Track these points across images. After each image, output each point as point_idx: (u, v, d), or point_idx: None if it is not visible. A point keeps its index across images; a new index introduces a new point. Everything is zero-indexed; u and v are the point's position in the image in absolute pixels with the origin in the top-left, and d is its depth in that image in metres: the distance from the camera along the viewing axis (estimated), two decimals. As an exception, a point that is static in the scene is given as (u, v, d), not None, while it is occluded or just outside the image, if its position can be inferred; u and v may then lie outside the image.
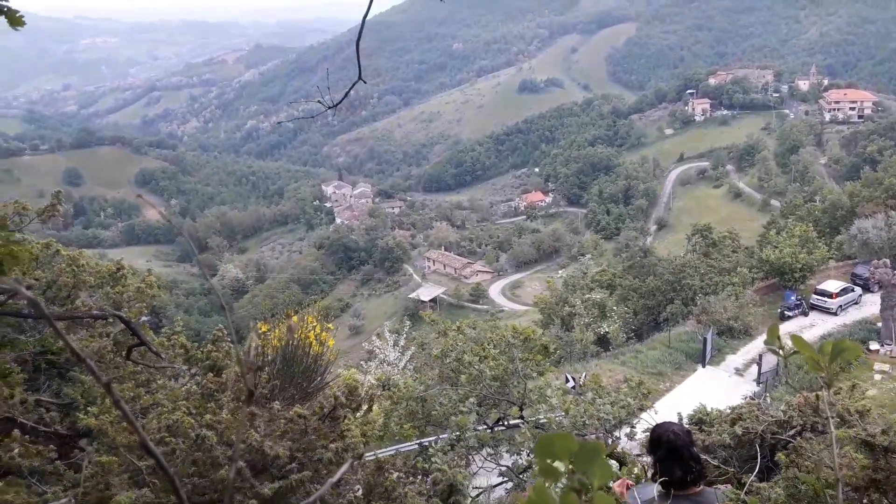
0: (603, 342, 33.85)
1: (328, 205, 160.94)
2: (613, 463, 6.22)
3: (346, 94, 3.38)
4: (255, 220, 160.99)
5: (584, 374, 19.39)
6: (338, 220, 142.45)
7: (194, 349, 6.22)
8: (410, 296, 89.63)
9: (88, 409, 4.63)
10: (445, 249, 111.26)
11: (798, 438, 5.57)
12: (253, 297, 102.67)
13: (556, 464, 0.97)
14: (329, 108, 3.46)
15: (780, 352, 1.44)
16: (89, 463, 3.56)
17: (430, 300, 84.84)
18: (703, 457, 5.76)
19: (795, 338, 1.31)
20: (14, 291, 4.31)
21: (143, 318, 4.85)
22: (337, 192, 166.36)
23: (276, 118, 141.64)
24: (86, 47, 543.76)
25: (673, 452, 3.70)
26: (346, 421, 3.44)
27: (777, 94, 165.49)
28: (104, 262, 7.55)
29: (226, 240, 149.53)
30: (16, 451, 3.81)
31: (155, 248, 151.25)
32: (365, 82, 3.34)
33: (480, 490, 5.43)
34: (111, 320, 5.94)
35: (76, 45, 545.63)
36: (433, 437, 6.51)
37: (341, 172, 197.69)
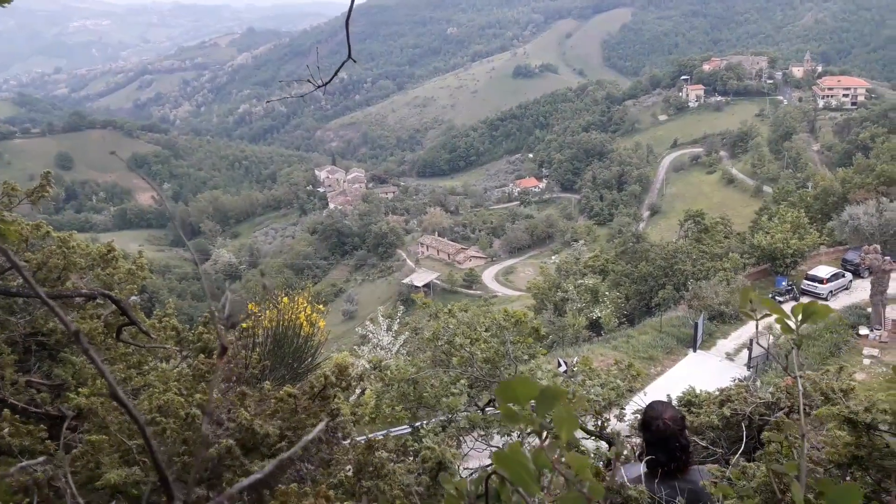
0: (595, 327, 34.02)
1: (321, 190, 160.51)
2: (603, 444, 6.28)
3: (336, 73, 3.36)
4: (247, 205, 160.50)
5: (575, 359, 19.50)
6: (331, 205, 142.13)
7: (186, 331, 6.22)
8: (404, 281, 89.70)
9: (79, 390, 4.64)
10: (439, 235, 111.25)
11: (786, 419, 5.62)
12: (246, 282, 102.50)
13: (517, 408, 0.98)
14: (318, 86, 3.45)
15: (753, 314, 1.45)
16: (79, 442, 3.57)
17: (424, 285, 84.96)
18: (693, 438, 5.82)
19: (766, 301, 1.32)
20: (5, 269, 4.28)
21: (133, 298, 4.84)
22: (330, 176, 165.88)
23: (267, 99, 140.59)
24: (77, 30, 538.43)
25: (661, 441, 3.71)
26: (335, 400, 3.46)
27: (771, 81, 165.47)
28: (95, 245, 7.50)
29: (218, 224, 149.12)
30: (6, 430, 3.81)
31: (147, 233, 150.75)
32: (354, 61, 3.33)
33: (472, 471, 5.47)
34: (102, 302, 5.94)
35: (67, 27, 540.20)
36: (424, 420, 6.54)
37: (335, 157, 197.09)
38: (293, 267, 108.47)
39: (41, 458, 3.05)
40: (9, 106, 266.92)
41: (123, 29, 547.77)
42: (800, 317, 1.34)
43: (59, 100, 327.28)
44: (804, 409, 5.14)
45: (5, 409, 3.91)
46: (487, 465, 7.56)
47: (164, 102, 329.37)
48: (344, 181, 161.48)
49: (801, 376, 1.69)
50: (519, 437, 6.72)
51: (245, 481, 1.00)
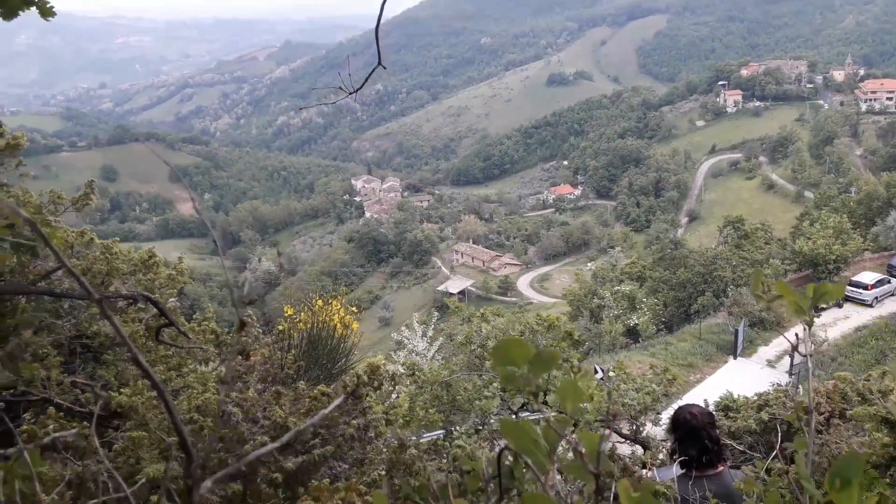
0: (632, 334, 33.65)
1: (357, 199, 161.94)
2: (638, 448, 6.23)
3: (367, 80, 3.43)
4: (286, 215, 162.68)
5: (611, 366, 19.31)
6: (367, 214, 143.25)
7: (224, 334, 6.37)
8: (439, 288, 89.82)
9: (121, 390, 4.78)
10: (474, 242, 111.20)
11: (826, 424, 5.52)
12: (284, 290, 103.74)
13: (515, 370, 1.00)
14: (350, 93, 3.52)
15: (765, 297, 1.45)
16: (121, 438, 3.69)
17: (459, 292, 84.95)
18: (729, 442, 5.74)
19: (779, 283, 1.32)
20: (55, 269, 4.44)
21: (172, 300, 4.98)
22: (366, 186, 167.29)
23: (300, 107, 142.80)
24: (120, 46, 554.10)
25: (690, 432, 3.72)
26: (367, 398, 3.51)
27: (811, 85, 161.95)
28: (137, 252, 7.72)
29: (258, 233, 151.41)
30: (51, 427, 3.96)
31: (189, 242, 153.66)
32: (384, 68, 3.39)
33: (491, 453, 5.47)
34: (143, 306, 6.10)
35: (111, 43, 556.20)
36: (458, 424, 6.56)
37: (370, 167, 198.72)
38: (330, 275, 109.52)
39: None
40: (57, 120, 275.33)
41: (165, 44, 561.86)
42: (812, 296, 1.34)
43: (105, 114, 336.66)
44: (843, 411, 5.04)
45: (50, 408, 4.06)
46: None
47: (204, 115, 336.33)
48: (380, 190, 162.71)
49: (810, 355, 1.68)
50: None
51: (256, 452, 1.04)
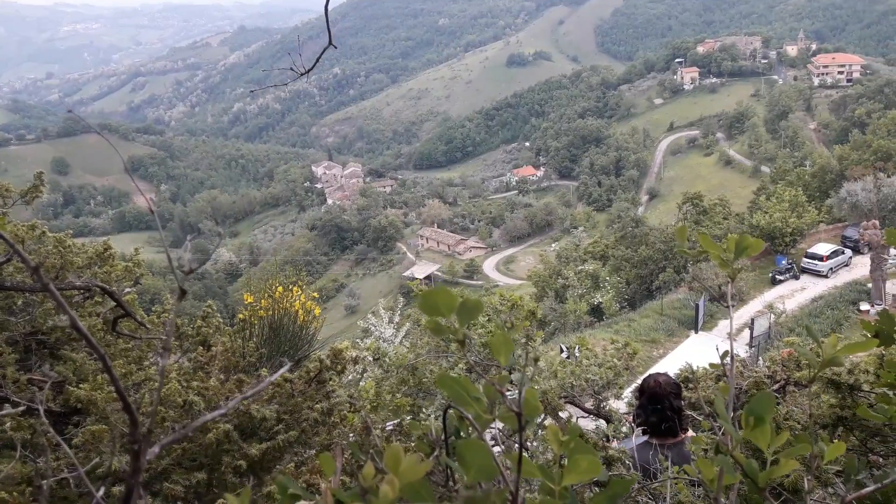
0: (597, 312, 34.13)
1: (319, 186, 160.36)
2: (602, 422, 6.35)
3: (318, 59, 3.40)
4: (246, 204, 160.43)
5: (577, 346, 19.59)
6: (329, 201, 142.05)
7: (184, 326, 6.30)
8: (405, 274, 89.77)
9: (80, 385, 4.71)
10: (438, 226, 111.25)
11: (782, 392, 5.69)
12: (247, 281, 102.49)
13: (441, 319, 1.03)
14: (301, 74, 3.49)
15: (691, 252, 1.51)
16: (80, 433, 3.63)
17: (425, 277, 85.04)
18: (690, 413, 5.88)
19: (702, 236, 1.37)
20: (5, 261, 4.32)
21: (127, 290, 4.90)
22: (327, 172, 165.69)
23: (251, 90, 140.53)
24: (67, 34, 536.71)
25: (652, 399, 3.81)
26: (331, 383, 3.51)
27: (765, 61, 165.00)
28: (91, 245, 7.56)
29: (217, 224, 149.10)
30: (7, 425, 3.88)
31: (147, 235, 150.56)
32: (335, 47, 3.36)
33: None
34: (100, 299, 6.00)
35: (57, 32, 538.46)
36: (425, 406, 6.60)
37: (331, 153, 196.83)
38: (294, 263, 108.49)
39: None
40: (2, 113, 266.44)
41: (114, 32, 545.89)
42: (734, 250, 1.39)
43: (53, 105, 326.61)
44: (803, 382, 5.20)
45: (6, 406, 3.97)
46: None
47: (158, 104, 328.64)
48: (341, 176, 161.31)
49: (730, 307, 1.74)
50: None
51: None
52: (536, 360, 5.81)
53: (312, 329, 4.84)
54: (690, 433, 4.31)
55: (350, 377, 5.71)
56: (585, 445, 0.96)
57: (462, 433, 1.27)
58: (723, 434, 1.27)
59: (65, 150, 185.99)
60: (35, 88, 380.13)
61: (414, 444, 3.72)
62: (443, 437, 1.30)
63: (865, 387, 2.67)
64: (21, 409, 3.73)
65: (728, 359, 1.73)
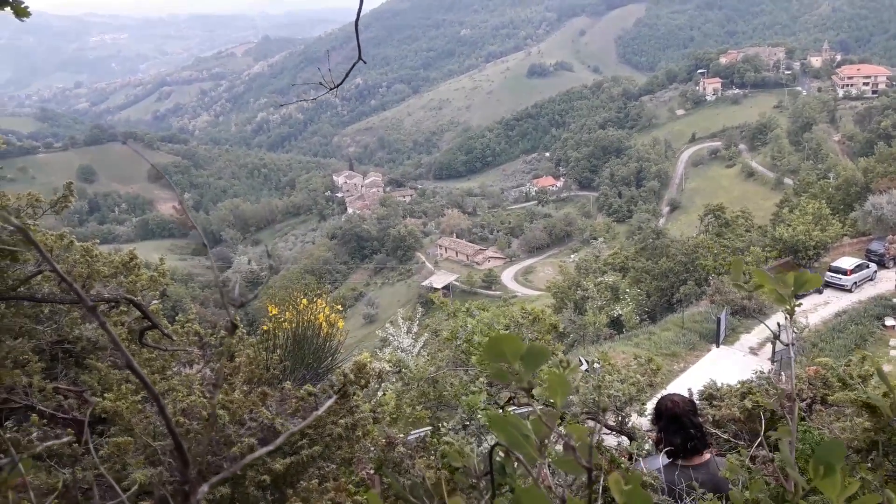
0: (616, 325, 33.86)
1: (340, 195, 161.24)
2: (624, 438, 6.28)
3: (347, 75, 3.42)
4: (267, 212, 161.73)
5: (596, 357, 19.43)
6: (349, 210, 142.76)
7: (207, 335, 6.33)
8: (423, 283, 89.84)
9: (105, 395, 4.75)
10: (457, 236, 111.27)
11: (809, 410, 5.59)
12: (267, 289, 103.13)
13: (506, 365, 1.02)
14: (331, 89, 3.50)
15: (745, 286, 1.48)
16: (106, 444, 3.66)
17: (443, 287, 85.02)
18: (713, 430, 5.80)
19: (757, 272, 1.35)
20: (35, 273, 4.39)
21: (154, 302, 4.94)
22: (348, 181, 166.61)
23: (281, 104, 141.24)
24: (95, 44, 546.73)
25: (673, 420, 3.76)
26: (355, 397, 3.51)
27: (789, 72, 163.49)
28: (118, 254, 7.64)
29: (239, 232, 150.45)
30: (34, 435, 3.92)
31: (170, 242, 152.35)
32: (365, 62, 3.38)
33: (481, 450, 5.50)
34: (126, 309, 6.05)
35: (86, 42, 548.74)
36: (444, 420, 6.58)
37: (352, 162, 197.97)
38: (314, 272, 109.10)
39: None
40: (31, 121, 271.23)
41: (141, 42, 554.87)
42: (793, 285, 1.36)
43: (81, 113, 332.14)
44: (824, 397, 5.12)
45: (33, 415, 4.02)
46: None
47: (182, 113, 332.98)
48: (362, 186, 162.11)
49: (791, 345, 1.71)
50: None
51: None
52: (577, 390, 5.76)
53: (336, 342, 4.84)
54: (713, 453, 4.24)
55: (368, 387, 5.71)
56: (646, 495, 0.95)
57: (507, 469, 1.25)
58: (787, 479, 1.24)
59: (91, 158, 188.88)
60: (64, 97, 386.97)
61: (439, 462, 3.70)
62: (487, 473, 1.28)
63: (900, 411, 2.61)
64: (66, 440, 3.78)
65: (787, 389, 1.70)
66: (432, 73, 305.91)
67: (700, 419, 3.94)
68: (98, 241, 6.45)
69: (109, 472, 3.36)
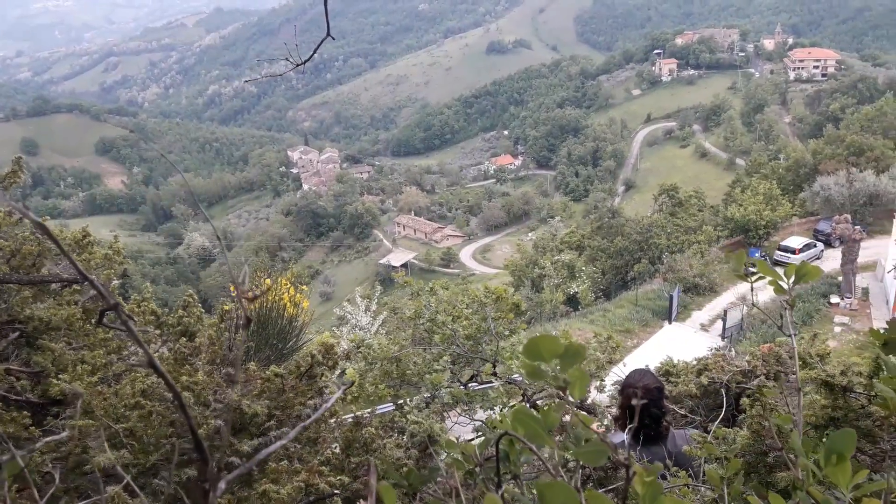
0: (572, 302, 34.35)
1: (294, 171, 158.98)
2: (584, 413, 6.38)
3: (315, 51, 3.34)
4: (220, 188, 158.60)
5: (553, 334, 19.68)
6: (305, 187, 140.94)
7: (165, 315, 6.20)
8: (381, 261, 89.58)
9: (59, 376, 4.61)
10: (415, 214, 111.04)
11: (767, 385, 5.75)
12: (220, 266, 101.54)
13: (542, 365, 1.03)
14: (298, 65, 3.41)
15: (747, 277, 1.50)
16: (63, 428, 3.55)
17: (401, 265, 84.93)
18: (671, 406, 5.94)
19: (760, 263, 1.37)
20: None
21: (115, 283, 4.80)
22: (303, 157, 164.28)
23: (245, 79, 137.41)
24: (38, 11, 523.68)
25: (642, 409, 3.78)
26: (323, 378, 3.48)
27: (743, 54, 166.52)
28: (69, 231, 7.40)
29: (190, 208, 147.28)
30: (-12, 418, 3.78)
31: (118, 218, 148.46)
32: (333, 38, 3.31)
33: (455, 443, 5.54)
34: (78, 287, 5.87)
35: (28, 9, 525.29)
36: (408, 397, 6.59)
37: (307, 137, 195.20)
38: (268, 249, 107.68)
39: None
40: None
41: (87, 10, 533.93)
42: (793, 277, 1.39)
43: (22, 84, 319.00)
44: (782, 374, 5.28)
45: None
46: (471, 439, 7.65)
47: (131, 85, 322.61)
48: (317, 162, 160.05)
49: (793, 335, 1.75)
50: (501, 410, 6.80)
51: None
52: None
53: (301, 322, 4.79)
54: (672, 427, 4.32)
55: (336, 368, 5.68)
56: (659, 485, 0.95)
57: (512, 457, 1.25)
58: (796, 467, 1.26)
59: (34, 131, 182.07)
60: (4, 66, 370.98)
61: (409, 442, 3.70)
62: (487, 460, 1.28)
63: (858, 388, 2.71)
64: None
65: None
66: (390, 47, 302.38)
67: (665, 403, 3.99)
68: (49, 218, 6.23)
69: (70, 457, 3.27)
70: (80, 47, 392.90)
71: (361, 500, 2.57)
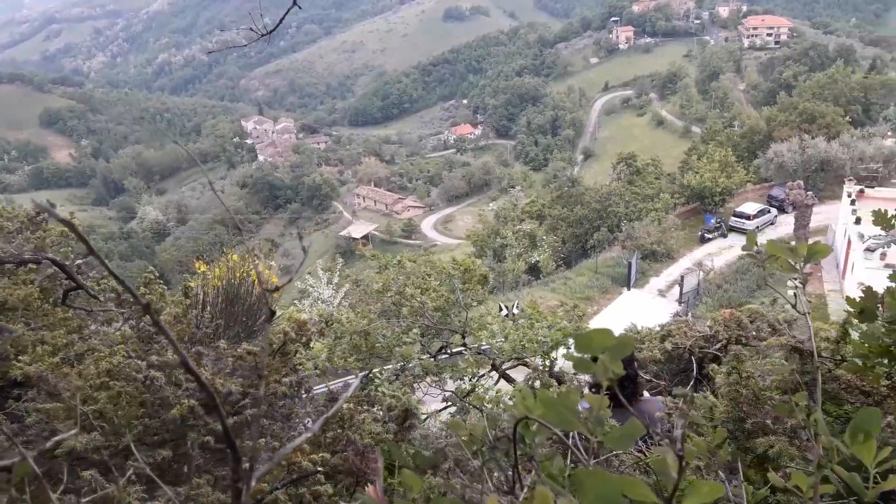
0: (534, 271, 34.69)
1: (249, 141, 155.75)
2: (552, 381, 6.49)
3: (281, 21, 3.23)
4: (172, 160, 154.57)
5: (516, 303, 19.91)
6: (260, 158, 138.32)
7: (125, 293, 6.01)
8: (342, 233, 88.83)
9: (19, 358, 4.48)
10: (375, 185, 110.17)
11: (724, 351, 5.91)
12: (176, 240, 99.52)
13: (590, 358, 1.04)
14: (262, 35, 3.31)
15: (758, 256, 1.52)
16: (27, 411, 3.46)
17: (362, 237, 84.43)
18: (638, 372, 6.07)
19: (771, 243, 1.38)
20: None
21: (79, 262, 4.67)
22: (258, 127, 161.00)
23: (209, 50, 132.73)
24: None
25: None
26: (297, 355, 3.45)
27: (698, 21, 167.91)
28: (19, 207, 7.17)
29: (143, 181, 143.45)
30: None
31: (68, 192, 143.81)
32: (300, 8, 3.20)
33: (426, 415, 5.58)
34: (34, 266, 5.68)
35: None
36: (378, 369, 6.60)
37: (261, 107, 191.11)
38: (224, 223, 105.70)
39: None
40: None
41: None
42: (805, 255, 1.40)
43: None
44: (743, 340, 5.43)
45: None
46: (441, 409, 7.72)
47: (75, 53, 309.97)
48: (272, 132, 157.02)
49: (807, 314, 1.78)
50: (471, 380, 6.87)
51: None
52: (506, 337, 5.86)
53: (269, 298, 4.72)
54: (643, 393, 4.43)
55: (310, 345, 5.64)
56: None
57: (527, 439, 1.25)
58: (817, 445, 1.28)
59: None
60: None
61: (386, 416, 3.68)
62: (499, 439, 1.27)
63: (825, 353, 2.79)
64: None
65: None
66: (345, 13, 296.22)
67: (636, 365, 4.08)
68: (2, 198, 5.98)
69: (38, 440, 3.19)
70: (19, 14, 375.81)
71: (370, 484, 2.57)
